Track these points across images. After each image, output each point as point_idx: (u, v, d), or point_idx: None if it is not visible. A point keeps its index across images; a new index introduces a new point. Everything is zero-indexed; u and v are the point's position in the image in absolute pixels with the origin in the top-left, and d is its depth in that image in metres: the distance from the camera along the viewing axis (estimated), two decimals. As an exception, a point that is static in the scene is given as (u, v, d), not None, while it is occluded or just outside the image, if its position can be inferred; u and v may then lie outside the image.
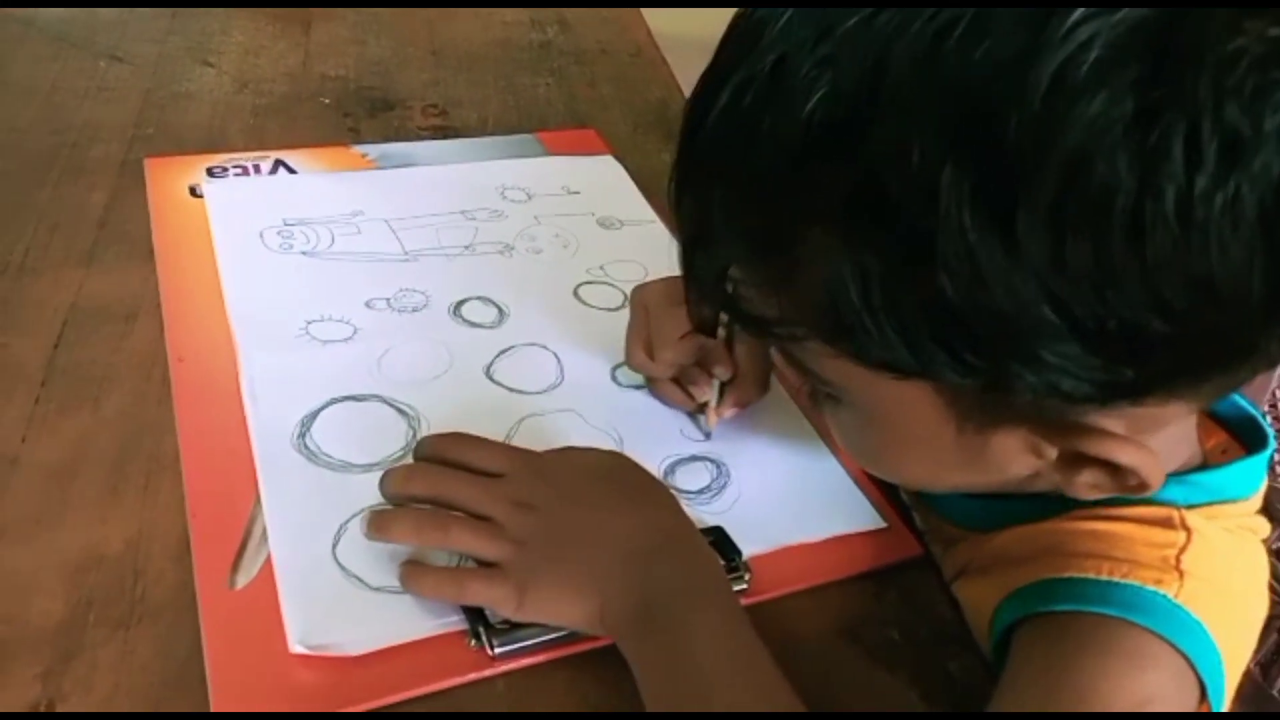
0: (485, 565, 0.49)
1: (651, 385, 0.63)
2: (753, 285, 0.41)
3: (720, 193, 0.39)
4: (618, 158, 0.88)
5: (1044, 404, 0.38)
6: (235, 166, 0.81)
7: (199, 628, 0.47)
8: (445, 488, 0.51)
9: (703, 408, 0.61)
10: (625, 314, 0.67)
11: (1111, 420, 0.40)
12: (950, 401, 0.41)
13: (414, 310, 0.67)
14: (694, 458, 0.60)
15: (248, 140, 0.86)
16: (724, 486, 0.58)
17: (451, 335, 0.66)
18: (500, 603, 0.47)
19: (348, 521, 0.52)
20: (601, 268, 0.74)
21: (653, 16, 1.19)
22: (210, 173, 0.80)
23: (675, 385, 0.61)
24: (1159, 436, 0.42)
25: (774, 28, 0.36)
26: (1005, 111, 0.32)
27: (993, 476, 0.45)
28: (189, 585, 0.49)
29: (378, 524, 0.50)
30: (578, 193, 0.82)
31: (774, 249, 0.39)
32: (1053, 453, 0.43)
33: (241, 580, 0.50)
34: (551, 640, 0.48)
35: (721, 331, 0.59)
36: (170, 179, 0.79)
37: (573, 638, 0.48)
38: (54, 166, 0.80)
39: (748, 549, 0.53)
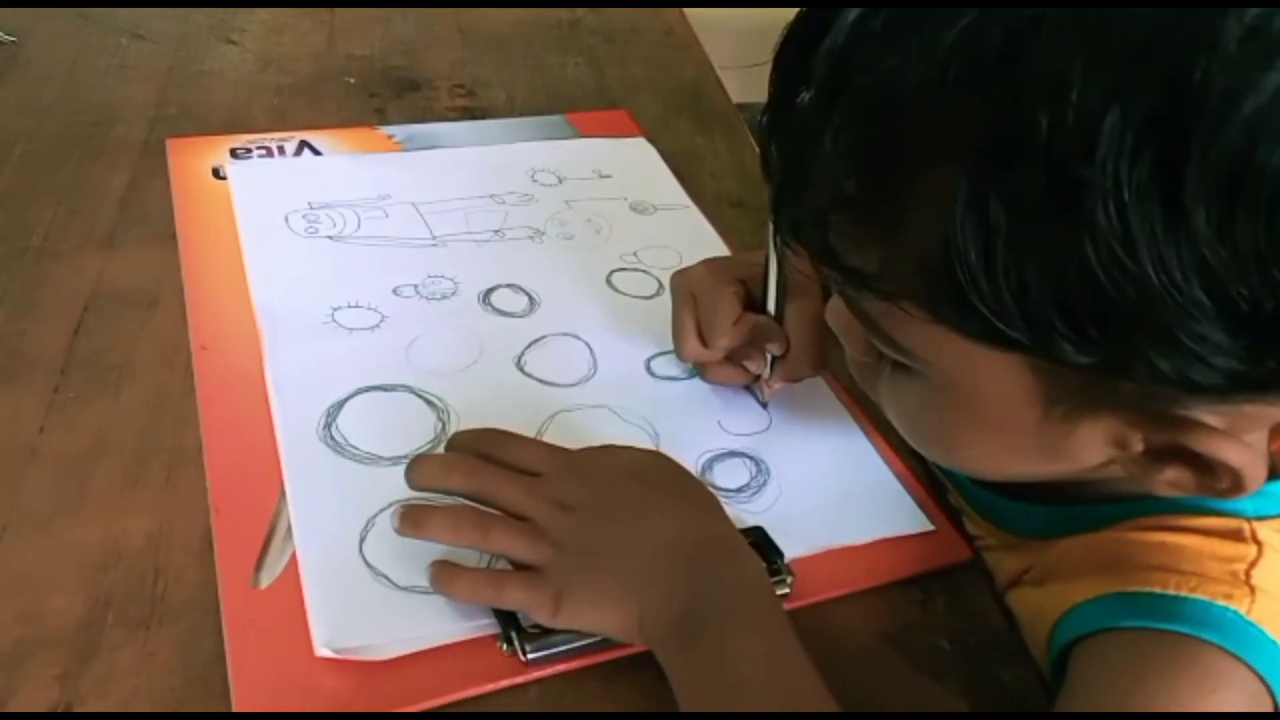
0: (520, 567, 0.47)
1: (704, 371, 0.61)
2: (851, 234, 0.38)
3: (836, 120, 0.35)
4: (650, 139, 0.86)
5: (1154, 392, 0.35)
6: (259, 147, 0.79)
7: (221, 629, 0.45)
8: (486, 484, 0.49)
9: (757, 379, 0.59)
10: (660, 302, 0.65)
11: (1215, 415, 0.37)
12: (1045, 381, 0.38)
13: (442, 298, 0.65)
14: (732, 453, 0.57)
15: (272, 120, 0.84)
16: (764, 484, 0.56)
17: (481, 324, 0.64)
18: (537, 608, 0.45)
19: (375, 516, 0.50)
20: (635, 254, 0.71)
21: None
22: (234, 154, 0.78)
23: (727, 365, 0.59)
24: (1251, 437, 0.39)
25: None
26: (1192, 54, 0.29)
27: (1060, 466, 0.42)
28: (211, 584, 0.47)
29: (412, 519, 0.48)
30: (609, 176, 0.80)
31: (887, 192, 0.36)
32: (1139, 445, 0.40)
33: (266, 579, 0.48)
34: (586, 646, 0.46)
35: (772, 305, 0.57)
36: (193, 160, 0.77)
37: (607, 644, 0.46)
38: (74, 147, 0.78)
39: (789, 550, 0.51)
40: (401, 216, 0.72)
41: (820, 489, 0.56)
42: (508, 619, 0.46)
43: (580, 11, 1.10)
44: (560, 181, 0.79)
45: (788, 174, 0.39)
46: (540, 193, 0.77)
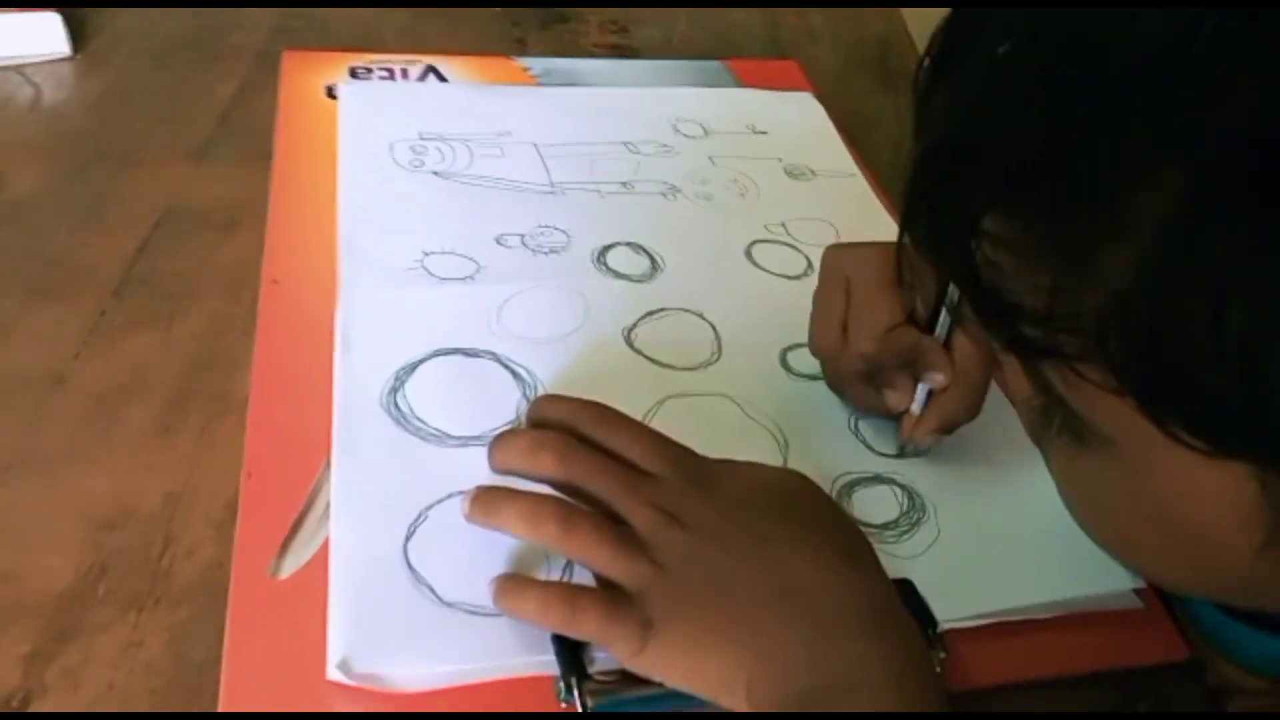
0: (605, 585, 0.37)
1: (832, 380, 0.49)
2: (1017, 252, 0.26)
3: (1032, 73, 0.25)
4: (820, 97, 0.73)
5: None
6: (381, 68, 0.71)
7: (224, 626, 0.37)
8: (582, 470, 0.38)
9: (898, 417, 0.47)
10: (807, 284, 0.54)
11: None
12: (1274, 504, 0.26)
13: (551, 251, 0.56)
14: (879, 478, 0.46)
15: (402, 41, 0.76)
16: (917, 523, 0.44)
17: (592, 285, 0.54)
18: (617, 639, 0.35)
19: (430, 508, 0.41)
20: (783, 224, 0.60)
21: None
22: (353, 73, 0.70)
23: (864, 385, 0.47)
24: None
25: None
26: None
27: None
28: (226, 564, 0.39)
29: (484, 502, 0.38)
30: (765, 133, 0.69)
31: (1083, 185, 0.24)
32: None
33: (289, 567, 0.39)
34: (663, 708, 0.36)
35: (942, 326, 0.45)
36: (307, 76, 0.69)
37: (687, 701, 0.35)
38: (185, 50, 0.72)
39: (944, 614, 0.39)
40: (519, 157, 0.63)
41: (991, 536, 0.44)
42: (571, 657, 0.36)
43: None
44: (706, 134, 0.68)
45: (936, 142, 0.28)
46: (682, 144, 0.66)
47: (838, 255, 0.48)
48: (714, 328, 0.52)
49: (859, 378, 0.46)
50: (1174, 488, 0.29)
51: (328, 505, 0.41)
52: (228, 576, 0.39)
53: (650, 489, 0.38)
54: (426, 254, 0.54)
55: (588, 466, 0.38)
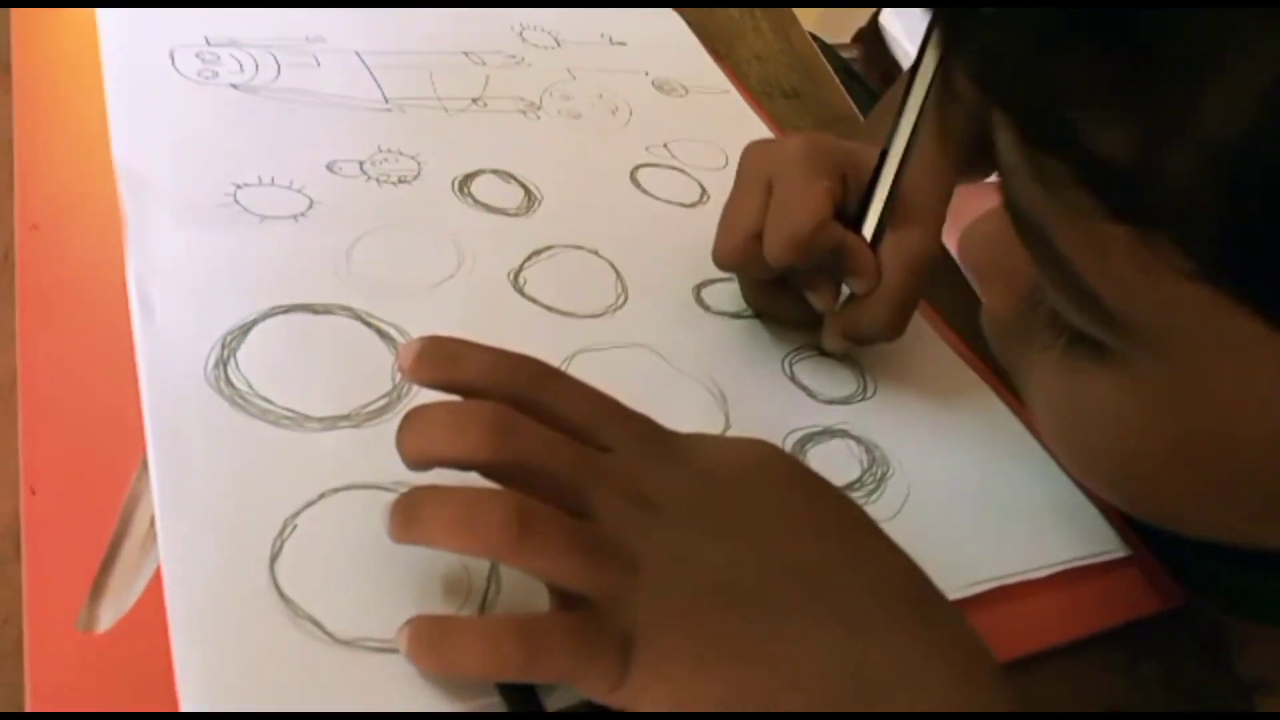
0: (565, 600, 0.28)
1: (745, 286, 0.43)
2: (1096, 80, 0.20)
3: None
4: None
5: None
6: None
7: (23, 699, 0.26)
8: (530, 448, 0.28)
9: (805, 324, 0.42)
10: (707, 212, 0.47)
11: None
12: None
13: (400, 181, 0.45)
14: (830, 432, 0.39)
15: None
16: (883, 478, 0.38)
17: (460, 221, 0.44)
18: (590, 673, 0.26)
19: (298, 516, 0.31)
20: (665, 146, 0.52)
21: None
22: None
23: (779, 287, 0.42)
24: None
25: None
26: None
27: None
28: (10, 621, 0.28)
29: (405, 513, 0.28)
30: (624, 44, 0.60)
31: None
32: None
33: (108, 616, 0.28)
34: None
35: (871, 224, 0.39)
36: (41, -29, 0.54)
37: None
38: None
39: (943, 585, 0.33)
40: (340, 68, 0.51)
41: (963, 491, 0.38)
42: (523, 700, 0.28)
43: None
44: (558, 44, 0.59)
45: None
46: (533, 55, 0.57)
47: (759, 151, 0.41)
48: (613, 266, 0.44)
49: (772, 285, 0.41)
50: (1228, 404, 0.24)
51: (152, 523, 0.30)
52: (17, 637, 0.27)
53: (613, 468, 0.29)
54: (239, 186, 0.42)
55: (534, 443, 0.29)
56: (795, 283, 0.41)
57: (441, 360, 0.30)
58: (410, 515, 0.27)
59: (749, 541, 0.29)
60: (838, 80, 0.62)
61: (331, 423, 0.34)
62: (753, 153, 0.41)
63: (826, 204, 0.38)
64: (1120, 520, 0.38)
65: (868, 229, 0.40)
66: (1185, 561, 0.37)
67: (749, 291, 0.43)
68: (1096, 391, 0.28)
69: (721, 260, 0.41)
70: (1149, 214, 0.20)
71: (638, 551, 0.28)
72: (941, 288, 0.46)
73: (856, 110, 0.60)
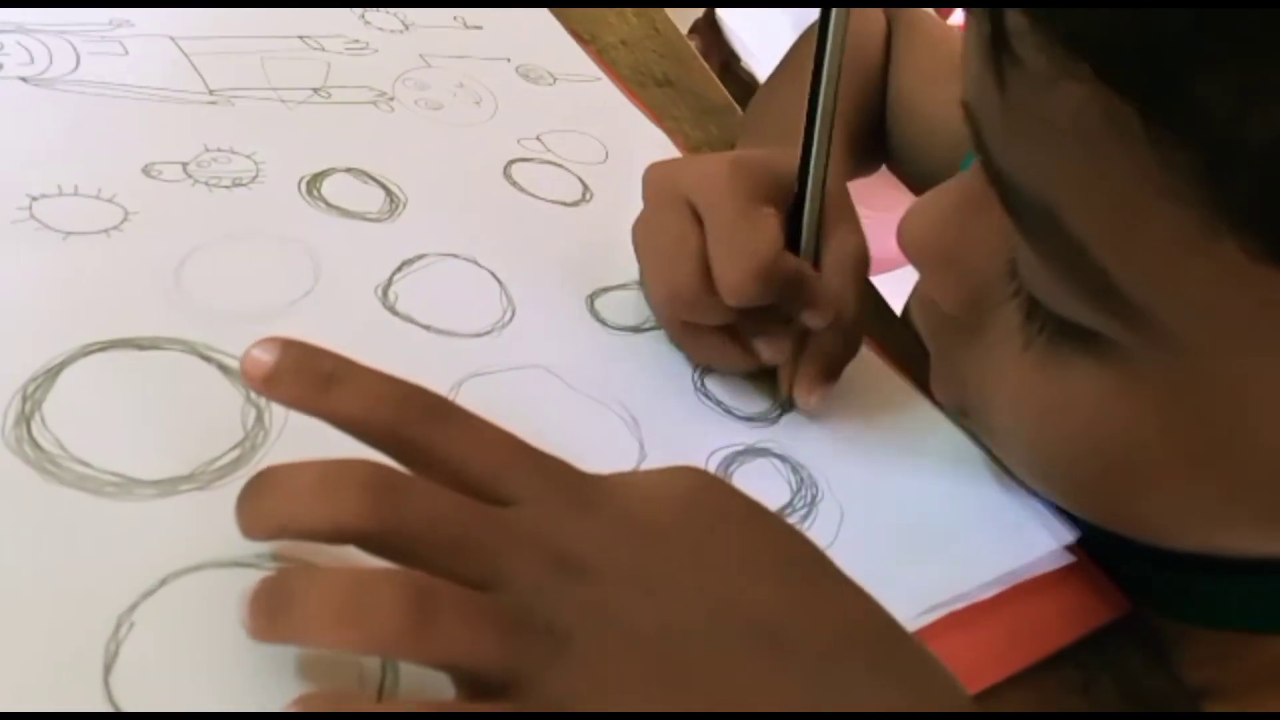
0: (474, 689, 0.23)
1: (679, 333, 0.38)
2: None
3: None
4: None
5: None
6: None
7: None
8: (419, 513, 0.23)
9: (774, 373, 0.37)
10: (592, 211, 0.43)
11: None
12: None
13: (235, 184, 0.39)
14: (753, 450, 0.36)
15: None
16: (814, 501, 0.34)
17: (311, 229, 0.38)
18: None
19: (134, 610, 0.25)
20: (538, 139, 0.47)
21: None
22: None
23: (726, 335, 0.36)
24: None
25: None
26: None
27: None
28: None
29: (268, 604, 0.22)
30: (479, 27, 0.55)
31: None
32: None
33: (-126, 771, 0.21)
34: None
35: (808, 239, 0.35)
36: None
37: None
38: None
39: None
40: (153, 55, 0.44)
41: (902, 505, 0.35)
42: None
43: None
44: (406, 28, 0.52)
45: None
46: (379, 40, 0.51)
47: (668, 174, 0.37)
48: (495, 276, 0.38)
49: (717, 332, 0.36)
50: (1250, 404, 0.24)
51: (-63, 636, 0.23)
52: None
53: (523, 526, 0.24)
54: (34, 198, 0.35)
55: (424, 505, 0.23)
56: (743, 329, 0.36)
57: (314, 379, 0.24)
58: (277, 606, 0.21)
59: (692, 596, 0.24)
60: (709, 68, 0.58)
61: (170, 486, 0.27)
62: (665, 176, 0.37)
63: (777, 231, 0.35)
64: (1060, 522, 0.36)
65: (807, 245, 0.36)
66: (1116, 564, 0.36)
67: (691, 344, 0.37)
68: (1085, 390, 0.27)
69: (669, 309, 0.36)
70: (1225, 184, 0.19)
71: (562, 622, 0.23)
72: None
73: (733, 101, 0.56)
